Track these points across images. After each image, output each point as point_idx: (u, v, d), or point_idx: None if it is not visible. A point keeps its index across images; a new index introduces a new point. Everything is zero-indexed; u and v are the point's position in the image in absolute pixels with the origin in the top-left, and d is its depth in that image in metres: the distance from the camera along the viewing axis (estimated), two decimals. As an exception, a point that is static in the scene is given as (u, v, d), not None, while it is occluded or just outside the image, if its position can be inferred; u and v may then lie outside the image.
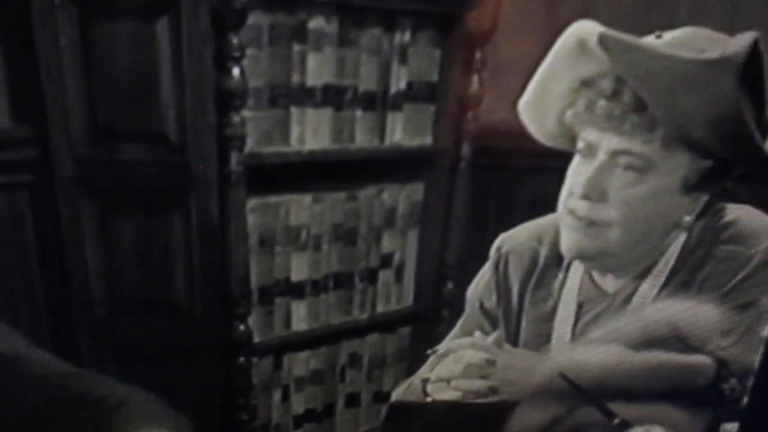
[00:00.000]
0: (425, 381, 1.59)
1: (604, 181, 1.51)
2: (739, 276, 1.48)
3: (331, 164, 2.51)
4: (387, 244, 2.75)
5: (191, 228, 2.25)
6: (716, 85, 1.41)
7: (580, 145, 1.56)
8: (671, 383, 1.36)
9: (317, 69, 2.36)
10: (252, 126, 2.26)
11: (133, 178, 2.18)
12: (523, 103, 1.63)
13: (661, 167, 1.49)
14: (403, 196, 2.73)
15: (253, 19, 2.19)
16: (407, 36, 2.51)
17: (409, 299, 2.89)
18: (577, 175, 1.56)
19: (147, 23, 2.07)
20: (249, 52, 2.19)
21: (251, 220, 2.37)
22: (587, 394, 1.38)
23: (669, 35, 1.49)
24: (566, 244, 1.59)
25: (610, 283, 1.63)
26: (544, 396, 1.50)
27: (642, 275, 1.58)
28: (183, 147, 2.16)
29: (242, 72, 2.14)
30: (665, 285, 1.56)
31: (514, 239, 1.77)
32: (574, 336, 1.63)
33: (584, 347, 1.53)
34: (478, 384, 1.52)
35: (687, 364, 1.32)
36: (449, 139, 2.72)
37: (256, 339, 2.47)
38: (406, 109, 2.60)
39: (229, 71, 2.12)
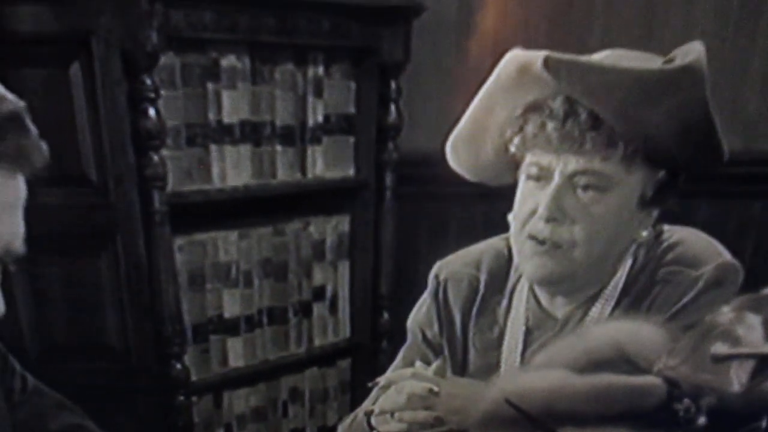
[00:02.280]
0: (369, 414, 1.58)
1: (565, 203, 1.49)
2: (686, 298, 1.49)
3: (255, 200, 2.55)
4: (318, 276, 2.79)
5: (119, 269, 2.27)
6: (685, 92, 1.41)
7: (532, 170, 1.52)
8: (622, 405, 1.26)
9: (233, 106, 2.41)
10: (172, 165, 2.30)
11: (58, 221, 2.19)
12: (456, 139, 1.62)
13: (621, 184, 1.49)
14: (329, 228, 2.78)
15: (165, 60, 2.25)
16: (320, 70, 2.57)
17: (345, 331, 2.92)
18: (530, 199, 1.54)
19: (59, 69, 2.12)
20: (163, 92, 2.24)
21: (179, 258, 2.40)
22: (535, 420, 1.35)
23: (597, 56, 1.50)
24: (530, 270, 1.56)
25: (560, 308, 1.63)
26: (492, 424, 1.39)
27: (592, 299, 1.59)
28: (105, 189, 2.20)
29: (158, 112, 2.19)
30: (615, 307, 1.57)
31: (452, 266, 1.76)
32: (524, 360, 1.63)
33: (529, 373, 1.44)
34: (423, 415, 1.50)
35: (636, 386, 1.23)
36: (371, 170, 2.77)
37: (194, 377, 2.49)
38: (326, 141, 2.65)
39: (145, 112, 2.17)
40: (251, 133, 2.48)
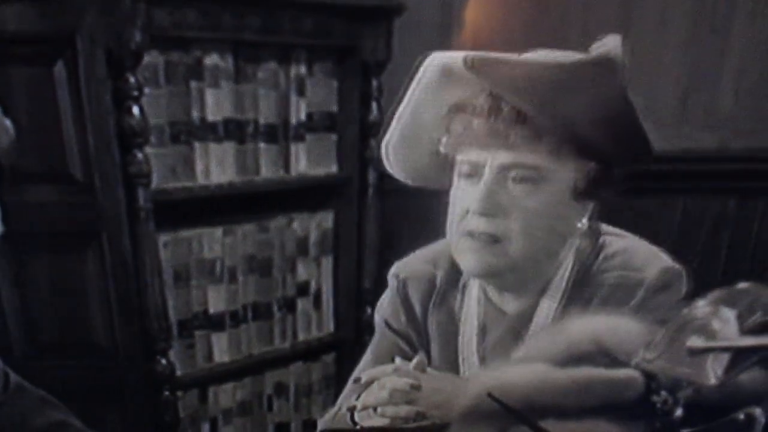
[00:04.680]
0: (352, 409, 1.55)
1: (497, 197, 1.48)
2: (634, 301, 1.50)
3: (239, 197, 2.53)
4: (302, 272, 2.77)
5: (105, 266, 2.24)
6: (600, 83, 1.42)
7: (464, 168, 1.52)
8: (601, 398, 1.28)
9: (216, 104, 2.39)
10: (156, 162, 2.28)
11: (43, 219, 2.17)
12: (391, 144, 1.60)
13: (552, 176, 1.48)
14: (313, 224, 2.76)
15: (149, 58, 2.23)
16: (303, 69, 2.55)
17: (329, 326, 2.90)
18: (463, 197, 1.53)
19: (44, 67, 2.09)
20: (147, 90, 2.22)
21: (164, 255, 2.37)
22: (517, 414, 1.35)
23: (524, 55, 1.49)
24: (469, 266, 1.55)
25: (509, 304, 1.62)
26: (474, 418, 1.39)
27: (540, 294, 1.59)
28: (90, 186, 2.17)
29: (142, 110, 2.17)
30: (563, 304, 1.57)
31: (410, 265, 1.75)
32: (482, 359, 1.62)
33: (509, 367, 1.43)
34: (406, 410, 1.47)
35: (615, 379, 1.25)
36: (354, 167, 2.75)
37: (179, 373, 2.47)
38: (309, 139, 2.63)
39: (129, 110, 2.14)
40: (235, 130, 2.46)
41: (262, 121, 2.51)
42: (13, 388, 1.51)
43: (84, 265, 2.25)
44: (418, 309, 1.72)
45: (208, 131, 2.40)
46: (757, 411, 1.01)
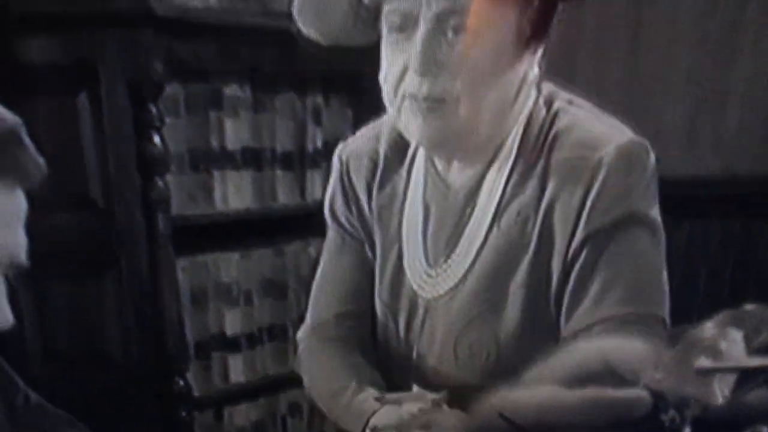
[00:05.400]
0: (373, 429, 1.45)
1: (437, 52, 1.30)
2: (593, 192, 1.33)
3: (256, 222, 2.55)
4: (317, 296, 2.78)
5: (124, 289, 2.26)
6: None
7: (393, 19, 1.33)
8: (610, 417, 1.23)
9: (235, 133, 2.42)
10: (176, 189, 2.31)
11: (64, 243, 2.18)
12: (301, 4, 1.42)
13: (495, 20, 1.30)
14: (328, 249, 2.77)
15: (170, 89, 2.26)
16: (319, 98, 2.58)
17: (343, 348, 2.90)
18: (398, 54, 1.34)
19: (68, 98, 2.13)
20: (168, 120, 2.25)
21: (182, 278, 2.39)
22: None
23: None
24: (417, 133, 1.37)
25: (455, 176, 1.45)
26: None
27: (488, 164, 1.42)
28: (110, 212, 2.20)
29: (162, 139, 2.20)
30: (513, 176, 1.40)
31: (353, 144, 1.60)
32: (426, 243, 1.47)
33: (520, 389, 1.36)
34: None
35: (623, 398, 1.20)
36: (367, 193, 2.76)
37: (196, 393, 2.48)
38: (324, 166, 2.64)
39: (150, 139, 2.17)
40: (253, 158, 2.49)
41: (279, 149, 2.54)
42: (33, 407, 1.52)
43: (103, 289, 2.27)
44: (362, 196, 1.57)
45: (226, 159, 2.43)
46: (764, 429, 1.03)
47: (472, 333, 1.41)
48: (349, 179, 1.58)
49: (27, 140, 1.08)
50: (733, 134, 2.89)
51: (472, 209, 1.42)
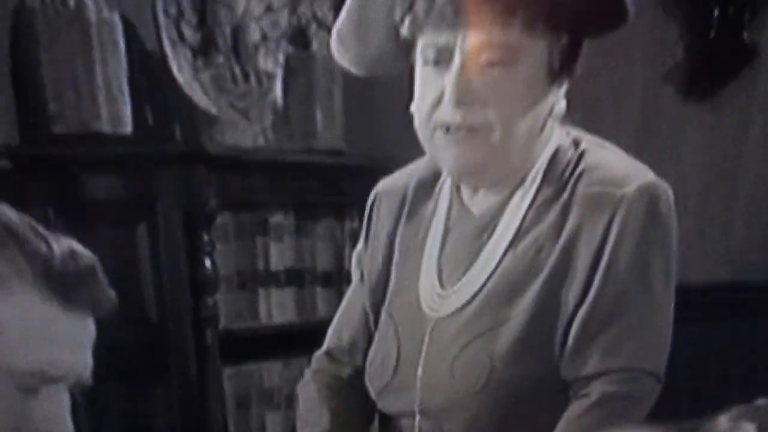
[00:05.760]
0: None
1: (472, 83, 1.35)
2: (615, 229, 1.37)
3: (297, 333, 2.75)
4: (355, 400, 2.95)
5: (173, 398, 2.47)
6: None
7: (429, 53, 1.39)
8: None
9: (279, 256, 2.65)
10: (224, 307, 2.53)
11: (119, 357, 2.37)
12: (343, 28, 1.48)
13: (525, 54, 1.37)
14: (366, 358, 2.95)
15: (221, 219, 2.50)
16: (356, 224, 2.79)
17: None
18: (432, 85, 1.39)
19: (128, 230, 2.39)
20: (219, 246, 2.49)
21: (228, 385, 2.60)
22: None
23: None
24: (450, 162, 1.42)
25: (479, 202, 1.49)
26: None
27: (512, 192, 1.45)
28: (163, 328, 2.43)
29: (213, 263, 2.43)
30: (535, 203, 1.44)
31: (389, 179, 1.63)
32: (441, 265, 1.50)
33: None
34: None
35: None
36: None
37: (239, 491, 2.67)
38: (362, 283, 2.86)
39: (202, 263, 2.41)
40: (295, 277, 2.71)
41: (319, 268, 2.75)
42: None
43: (154, 399, 2.48)
44: (383, 228, 1.59)
45: (271, 279, 2.65)
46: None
47: (470, 352, 1.42)
48: (375, 215, 1.62)
49: (101, 275, 1.09)
50: (740, 239, 3.00)
51: (491, 234, 1.45)
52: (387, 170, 2.72)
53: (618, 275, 1.37)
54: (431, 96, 1.39)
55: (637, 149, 3.17)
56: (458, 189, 1.52)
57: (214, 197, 2.41)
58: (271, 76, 2.72)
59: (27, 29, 2.41)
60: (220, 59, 2.62)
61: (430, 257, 1.51)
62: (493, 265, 1.43)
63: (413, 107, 1.44)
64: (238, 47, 2.65)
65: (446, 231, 1.50)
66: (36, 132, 2.43)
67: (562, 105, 1.44)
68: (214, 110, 2.58)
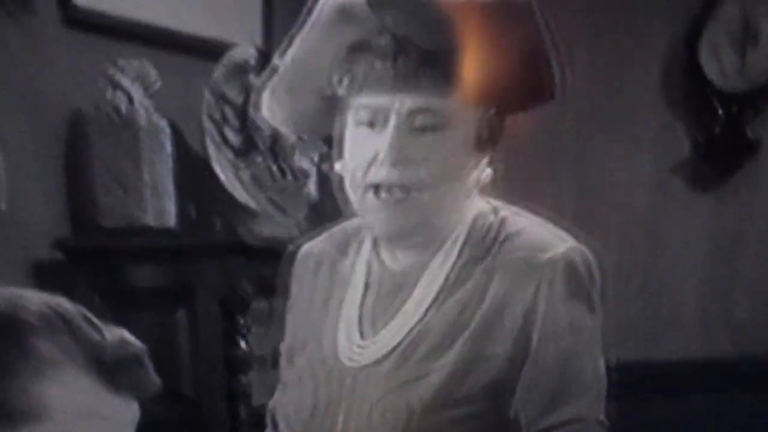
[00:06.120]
0: None
1: (406, 145, 1.36)
2: (543, 280, 1.39)
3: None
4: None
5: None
6: (517, 24, 1.38)
7: (362, 114, 1.39)
8: None
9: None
10: (257, 385, 2.64)
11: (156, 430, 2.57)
12: (276, 86, 1.47)
13: (458, 122, 1.38)
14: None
15: (257, 304, 2.64)
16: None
17: None
18: (365, 146, 1.40)
19: (168, 314, 2.56)
20: (254, 328, 2.63)
21: (260, 460, 2.75)
22: None
23: None
24: (381, 225, 1.44)
25: (399, 262, 1.50)
26: None
27: (433, 253, 1.46)
28: (198, 404, 2.58)
29: (248, 344, 2.58)
30: (458, 263, 1.45)
31: (309, 243, 1.64)
32: (361, 319, 1.50)
33: None
34: None
35: None
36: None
37: None
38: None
39: (237, 344, 2.57)
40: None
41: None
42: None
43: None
44: (307, 284, 1.61)
45: (303, 359, 2.79)
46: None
47: (388, 402, 1.43)
48: (295, 277, 1.64)
49: (147, 362, 1.13)
50: (742, 314, 3.09)
51: (412, 291, 1.46)
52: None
53: (555, 333, 1.40)
54: (365, 156, 1.40)
55: (645, 235, 3.35)
56: (377, 247, 1.53)
57: (251, 284, 2.56)
58: (305, 174, 2.89)
59: (81, 132, 2.62)
60: (259, 159, 2.80)
61: (349, 311, 1.52)
62: (415, 320, 1.44)
63: (338, 167, 1.47)
64: (275, 148, 2.81)
65: (366, 287, 1.51)
66: (86, 225, 2.62)
67: (487, 173, 1.47)
68: (253, 205, 2.76)
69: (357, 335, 1.49)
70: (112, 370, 1.01)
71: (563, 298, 1.40)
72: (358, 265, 1.54)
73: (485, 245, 1.45)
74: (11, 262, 2.44)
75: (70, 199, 2.64)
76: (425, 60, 1.34)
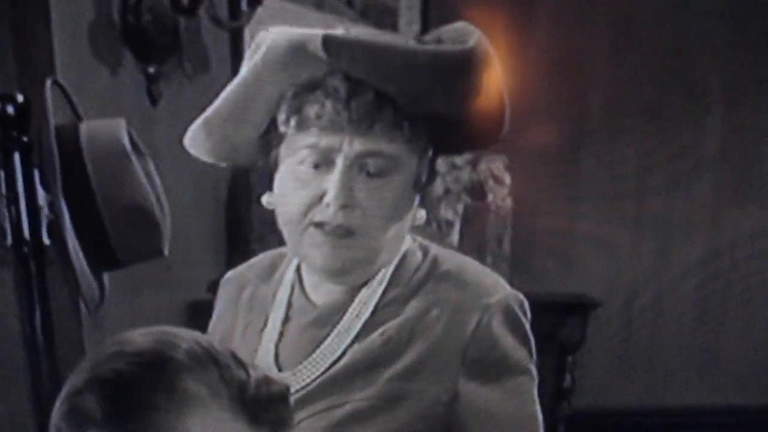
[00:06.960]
0: None
1: (354, 188, 1.33)
2: (479, 324, 1.36)
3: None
4: None
5: None
6: (482, 71, 1.35)
7: (305, 153, 1.35)
8: None
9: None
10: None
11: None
12: (212, 118, 1.41)
13: (403, 166, 1.36)
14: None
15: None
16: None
17: None
18: (309, 185, 1.36)
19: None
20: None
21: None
22: None
23: (385, 38, 1.42)
24: (320, 261, 1.38)
25: (322, 296, 1.46)
26: None
27: (358, 289, 1.43)
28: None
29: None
30: (381, 298, 1.42)
31: (233, 270, 1.62)
32: (278, 350, 1.47)
33: None
34: None
35: None
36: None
37: None
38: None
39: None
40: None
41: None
42: None
43: None
44: (228, 311, 1.58)
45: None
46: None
47: (305, 428, 1.39)
48: (218, 303, 1.62)
49: (290, 400, 1.13)
50: (742, 368, 3.06)
51: (334, 326, 1.43)
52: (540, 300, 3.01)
53: (498, 372, 1.38)
54: (307, 196, 1.36)
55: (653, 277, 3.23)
56: (300, 279, 1.50)
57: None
58: (450, 224, 3.04)
59: (242, 181, 2.80)
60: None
61: (268, 342, 1.48)
62: (336, 355, 1.41)
63: (265, 200, 1.44)
64: (422, 200, 2.97)
65: (286, 318, 1.48)
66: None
67: (422, 214, 1.45)
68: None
69: (274, 367, 1.45)
70: (255, 407, 1.04)
71: (503, 337, 1.38)
72: (280, 294, 1.51)
73: (415, 283, 1.43)
74: (169, 303, 2.57)
75: (228, 243, 2.79)
76: (378, 102, 1.32)
